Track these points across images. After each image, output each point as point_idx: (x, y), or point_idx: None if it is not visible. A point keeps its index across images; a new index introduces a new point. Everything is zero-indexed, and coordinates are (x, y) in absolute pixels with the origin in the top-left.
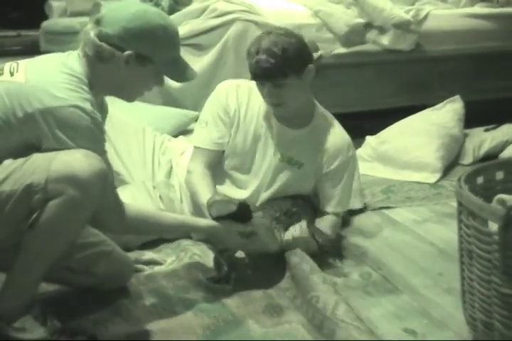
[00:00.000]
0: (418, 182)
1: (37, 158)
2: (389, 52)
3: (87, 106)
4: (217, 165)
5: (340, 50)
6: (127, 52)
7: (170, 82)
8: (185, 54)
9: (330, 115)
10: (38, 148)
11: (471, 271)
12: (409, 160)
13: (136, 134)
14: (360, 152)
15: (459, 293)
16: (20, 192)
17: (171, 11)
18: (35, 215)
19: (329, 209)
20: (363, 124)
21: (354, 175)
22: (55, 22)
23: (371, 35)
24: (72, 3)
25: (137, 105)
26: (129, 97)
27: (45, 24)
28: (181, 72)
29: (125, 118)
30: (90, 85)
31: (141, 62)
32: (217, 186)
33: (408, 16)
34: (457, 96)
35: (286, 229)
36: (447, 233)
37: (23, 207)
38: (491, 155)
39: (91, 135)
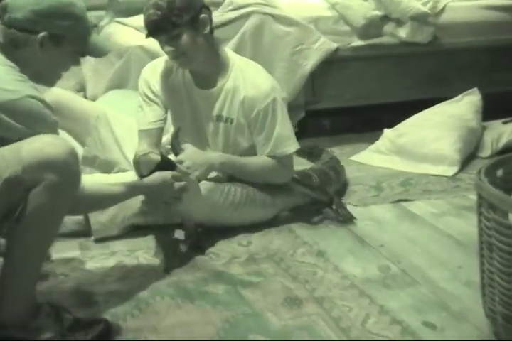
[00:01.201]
0: (436, 175)
1: (2, 152)
2: (406, 45)
3: (37, 93)
4: (159, 141)
5: (358, 42)
6: (41, 34)
7: None
8: None
9: (252, 66)
10: None
11: (491, 263)
12: (427, 153)
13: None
14: (378, 145)
15: (478, 286)
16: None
17: None
18: (19, 209)
19: (259, 152)
20: (380, 117)
21: (276, 121)
22: None
23: (388, 27)
24: None
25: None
26: (49, 81)
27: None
28: (97, 46)
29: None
30: None
31: (55, 42)
32: None
33: (425, 8)
34: (475, 89)
35: None
36: (466, 226)
37: (5, 203)
38: (510, 148)
39: (47, 120)
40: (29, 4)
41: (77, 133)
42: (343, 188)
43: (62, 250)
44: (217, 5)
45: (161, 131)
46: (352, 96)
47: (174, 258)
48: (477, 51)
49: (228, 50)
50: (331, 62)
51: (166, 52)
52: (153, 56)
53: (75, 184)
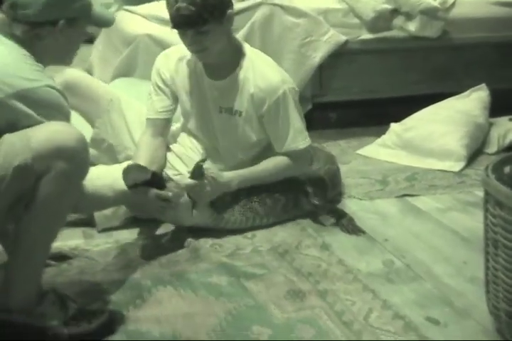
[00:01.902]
0: (442, 171)
1: (11, 139)
2: (415, 39)
3: (55, 83)
4: (167, 131)
5: (367, 35)
6: (60, 23)
7: None
8: None
9: (262, 58)
10: (5, 132)
11: (496, 260)
12: (433, 148)
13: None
14: (385, 139)
15: (482, 283)
16: (10, 176)
17: None
18: (29, 196)
19: (278, 149)
20: (387, 111)
21: (289, 116)
22: None
23: (398, 21)
24: None
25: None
26: (68, 60)
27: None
28: (103, 17)
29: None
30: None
31: (71, 24)
32: (196, 155)
33: (435, 3)
34: (483, 85)
35: None
36: (471, 222)
37: (15, 191)
38: None
39: (63, 110)
40: None
41: (89, 114)
42: (337, 196)
43: (65, 238)
44: None
45: (167, 121)
46: (359, 90)
47: (154, 249)
48: (486, 47)
49: (241, 41)
50: (339, 55)
51: (187, 46)
52: (160, 44)
53: (84, 171)
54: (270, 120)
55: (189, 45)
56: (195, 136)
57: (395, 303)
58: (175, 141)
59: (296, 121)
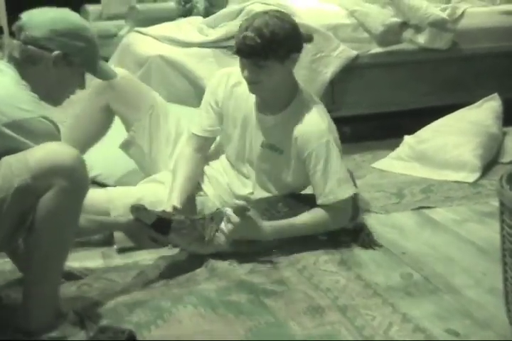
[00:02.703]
0: (457, 182)
1: (9, 160)
2: (425, 51)
3: (49, 114)
4: (208, 149)
5: (377, 49)
6: (55, 52)
7: (205, 85)
8: (221, 56)
9: (314, 102)
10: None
11: None
12: (447, 159)
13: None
14: (399, 151)
15: (501, 294)
16: (10, 197)
17: (207, 13)
18: (31, 216)
19: (317, 201)
20: (400, 124)
21: (331, 164)
22: (91, 26)
23: (407, 34)
24: (107, 6)
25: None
26: (57, 100)
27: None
28: (104, 70)
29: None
30: None
31: (68, 62)
32: (225, 180)
33: (444, 15)
34: (495, 94)
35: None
36: (488, 233)
37: (17, 211)
38: None
39: (55, 140)
40: (47, 23)
41: (127, 115)
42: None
43: (85, 259)
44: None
45: (211, 140)
46: (371, 103)
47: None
48: (496, 56)
49: (297, 81)
50: (350, 70)
51: (243, 74)
52: (172, 65)
53: (84, 188)
54: (310, 167)
55: (244, 74)
56: (229, 162)
57: (414, 316)
58: (207, 163)
59: (337, 171)
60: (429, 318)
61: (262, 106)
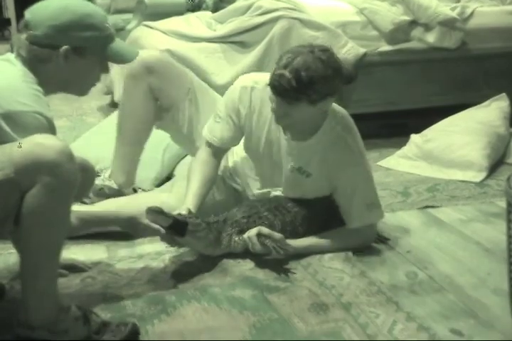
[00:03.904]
0: (463, 181)
1: None
2: (434, 50)
3: (47, 111)
4: (223, 155)
5: (386, 47)
6: (62, 48)
7: (213, 80)
8: (230, 51)
9: (344, 125)
10: None
11: None
12: (454, 158)
13: None
14: (405, 150)
15: (506, 294)
16: None
17: (216, 8)
18: (17, 211)
19: (349, 225)
20: (407, 122)
21: (363, 189)
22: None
23: (416, 32)
24: (116, 0)
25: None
26: (80, 91)
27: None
28: (121, 53)
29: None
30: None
31: (79, 53)
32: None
33: (454, 14)
34: (503, 94)
35: (240, 231)
36: (494, 233)
37: (1, 206)
38: None
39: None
40: (47, 19)
41: (166, 97)
42: None
43: (89, 253)
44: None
45: (228, 149)
46: (379, 102)
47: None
48: (505, 56)
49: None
50: (358, 67)
51: (271, 106)
52: (180, 60)
53: (71, 183)
54: (339, 191)
55: (272, 106)
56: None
57: (418, 315)
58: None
59: (368, 196)
60: (434, 317)
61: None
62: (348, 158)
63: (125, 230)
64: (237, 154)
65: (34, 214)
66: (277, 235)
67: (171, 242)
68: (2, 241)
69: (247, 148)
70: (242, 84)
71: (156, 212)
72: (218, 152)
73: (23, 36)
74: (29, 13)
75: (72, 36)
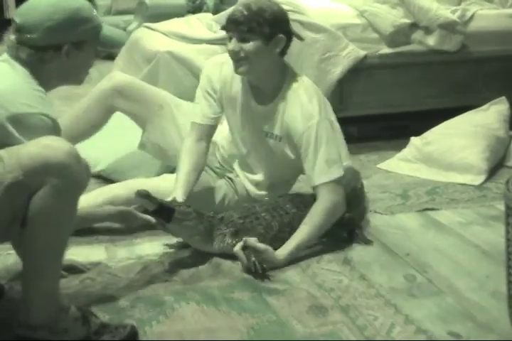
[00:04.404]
0: (463, 184)
1: (2, 156)
2: (434, 53)
3: (52, 112)
4: (211, 137)
5: (386, 50)
6: (65, 47)
7: None
8: None
9: (305, 86)
10: None
11: None
12: (453, 161)
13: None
14: (405, 153)
15: (504, 297)
16: (1, 193)
17: (217, 10)
18: (24, 213)
19: (310, 183)
20: (407, 125)
21: (322, 146)
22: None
23: (417, 35)
24: (117, 1)
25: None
26: (79, 81)
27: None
28: (112, 38)
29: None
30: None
31: (78, 48)
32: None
33: (454, 17)
34: (503, 98)
35: (235, 232)
36: (493, 236)
37: (9, 208)
38: None
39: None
40: (42, 22)
41: (139, 116)
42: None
43: (88, 254)
44: None
45: (213, 128)
46: (379, 104)
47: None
48: (505, 60)
49: (289, 66)
50: (358, 70)
51: (229, 51)
52: (181, 61)
53: (79, 184)
54: (301, 151)
55: (230, 49)
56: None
57: (417, 318)
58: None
59: (327, 153)
60: (432, 320)
61: (258, 96)
62: (305, 117)
63: (118, 222)
64: (223, 148)
65: (42, 215)
66: (262, 247)
67: (163, 229)
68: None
69: (229, 125)
70: (213, 61)
71: (142, 196)
72: (204, 134)
73: (18, 40)
74: (19, 17)
75: (70, 33)
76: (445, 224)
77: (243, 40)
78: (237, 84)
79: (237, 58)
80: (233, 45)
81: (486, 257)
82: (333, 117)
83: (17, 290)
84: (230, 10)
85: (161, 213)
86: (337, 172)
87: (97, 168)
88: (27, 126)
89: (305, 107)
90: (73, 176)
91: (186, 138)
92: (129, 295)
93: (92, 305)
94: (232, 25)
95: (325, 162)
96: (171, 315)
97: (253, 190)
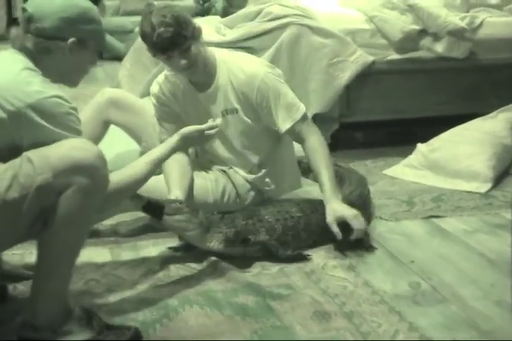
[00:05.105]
0: (469, 192)
1: (31, 157)
2: (442, 60)
3: (63, 93)
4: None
5: (394, 56)
6: (70, 40)
7: None
8: None
9: (233, 55)
10: (21, 148)
11: None
12: (460, 169)
13: None
14: (411, 159)
15: (509, 306)
16: (32, 195)
17: (225, 13)
18: (49, 212)
19: (280, 128)
20: (414, 131)
21: (279, 94)
22: (108, 21)
23: (425, 41)
24: (125, 2)
25: None
26: (74, 82)
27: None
28: (114, 45)
29: None
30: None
31: (82, 45)
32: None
33: (463, 24)
34: (510, 105)
35: (237, 233)
36: (498, 244)
37: (37, 209)
38: None
39: (72, 120)
40: (56, 13)
41: (134, 128)
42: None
43: (93, 256)
44: None
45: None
46: (386, 110)
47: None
48: None
49: (212, 51)
50: (366, 75)
51: (177, 67)
52: None
53: (104, 187)
54: (264, 105)
55: (179, 65)
56: (208, 158)
57: (421, 326)
58: None
59: (284, 98)
60: (436, 328)
61: (198, 86)
62: (252, 76)
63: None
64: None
65: (67, 215)
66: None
67: (159, 225)
68: None
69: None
70: (154, 82)
71: (137, 198)
72: None
73: (27, 29)
74: (31, 7)
75: (79, 29)
76: (450, 231)
77: (185, 50)
78: (178, 88)
79: (188, 68)
80: (182, 61)
81: (491, 266)
82: (271, 67)
83: (21, 290)
84: (235, 14)
85: (151, 209)
86: (298, 113)
87: None
88: (45, 111)
89: (245, 69)
90: (101, 179)
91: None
92: (133, 298)
93: (95, 306)
94: (170, 47)
95: (285, 108)
96: (174, 318)
97: (248, 175)
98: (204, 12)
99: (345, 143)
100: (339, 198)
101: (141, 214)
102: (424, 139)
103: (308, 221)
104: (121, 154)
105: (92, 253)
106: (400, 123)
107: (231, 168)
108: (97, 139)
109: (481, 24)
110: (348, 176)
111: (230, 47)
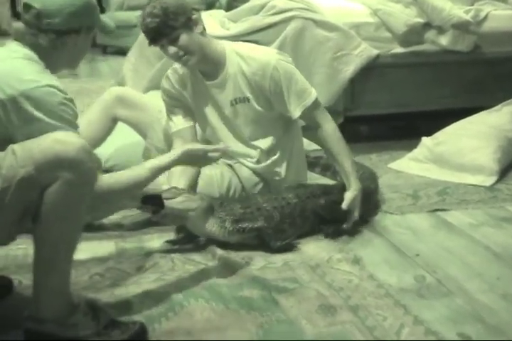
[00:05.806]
0: (474, 185)
1: (15, 149)
2: (447, 53)
3: (58, 83)
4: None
5: (398, 49)
6: (82, 31)
7: None
8: None
9: (242, 45)
10: (14, 140)
11: None
12: (465, 162)
13: None
14: (416, 153)
15: None
16: (14, 187)
17: (229, 7)
18: (36, 207)
19: (292, 114)
20: (418, 125)
21: (291, 81)
22: (112, 15)
23: (430, 35)
24: None
25: None
26: (76, 65)
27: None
28: (106, 24)
29: None
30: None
31: (88, 32)
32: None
33: (467, 17)
34: None
35: (236, 221)
36: (504, 238)
37: (21, 202)
38: None
39: (66, 111)
40: (64, 8)
41: (140, 124)
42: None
43: (97, 250)
44: None
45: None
46: (391, 104)
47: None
48: None
49: (221, 42)
50: (371, 69)
51: (170, 56)
52: None
53: (90, 179)
54: (277, 91)
55: (170, 54)
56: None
57: (426, 319)
58: None
59: (295, 84)
60: (441, 321)
61: (208, 76)
62: (264, 65)
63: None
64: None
65: (54, 210)
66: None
67: (159, 219)
68: None
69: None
70: (163, 79)
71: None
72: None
73: (37, 25)
74: (38, 3)
75: (87, 18)
76: (455, 225)
77: (173, 41)
78: (187, 81)
79: (181, 57)
80: (171, 50)
81: (496, 259)
82: (282, 54)
83: (26, 284)
84: (240, 8)
85: (151, 200)
86: (310, 98)
87: (107, 163)
88: (38, 100)
89: (257, 58)
90: (85, 171)
91: (174, 146)
92: (138, 292)
93: (101, 301)
94: (156, 37)
95: (297, 94)
96: (179, 312)
97: (255, 165)
98: (208, 6)
99: (349, 136)
100: (359, 185)
101: None
102: (429, 133)
103: (303, 207)
104: (124, 146)
105: (96, 247)
106: (405, 116)
107: (237, 162)
108: (103, 137)
109: (485, 17)
110: (358, 170)
111: (234, 41)
